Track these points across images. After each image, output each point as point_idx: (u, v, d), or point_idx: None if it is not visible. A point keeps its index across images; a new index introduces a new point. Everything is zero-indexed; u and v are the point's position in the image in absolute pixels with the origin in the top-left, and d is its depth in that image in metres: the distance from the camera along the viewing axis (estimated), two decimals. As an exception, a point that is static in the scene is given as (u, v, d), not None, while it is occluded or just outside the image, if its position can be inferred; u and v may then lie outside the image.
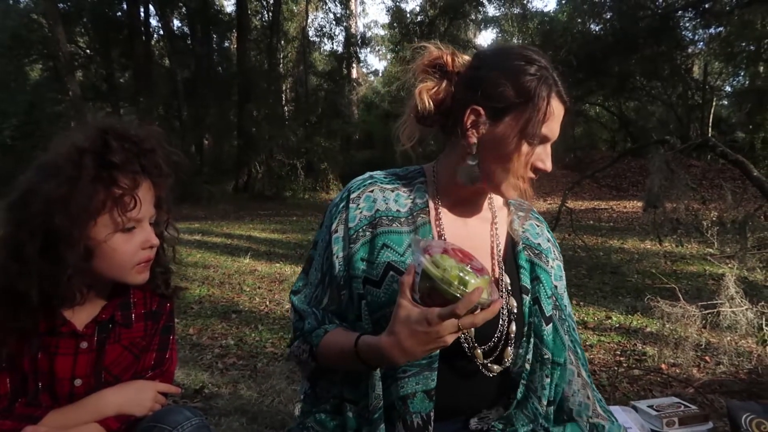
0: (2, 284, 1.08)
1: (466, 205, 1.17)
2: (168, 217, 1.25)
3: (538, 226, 1.25)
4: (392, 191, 1.15)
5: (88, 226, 1.08)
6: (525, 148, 1.04)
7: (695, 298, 3.57)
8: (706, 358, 3.34)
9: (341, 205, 1.14)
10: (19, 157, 11.99)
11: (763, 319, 3.13)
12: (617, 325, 4.16)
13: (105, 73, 19.21)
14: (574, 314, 4.46)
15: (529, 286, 1.15)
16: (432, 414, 1.04)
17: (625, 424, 1.42)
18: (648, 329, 3.98)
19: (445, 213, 1.15)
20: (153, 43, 20.49)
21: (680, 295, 3.31)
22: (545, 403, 1.11)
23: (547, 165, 1.07)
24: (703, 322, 3.18)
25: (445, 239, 1.10)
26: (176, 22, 21.27)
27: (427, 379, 1.04)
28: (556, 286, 1.18)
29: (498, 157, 1.05)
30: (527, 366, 1.11)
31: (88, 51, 19.78)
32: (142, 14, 18.46)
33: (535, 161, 1.07)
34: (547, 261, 1.19)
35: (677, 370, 3.19)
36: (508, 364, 1.10)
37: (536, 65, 1.04)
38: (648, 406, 1.52)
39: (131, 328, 1.23)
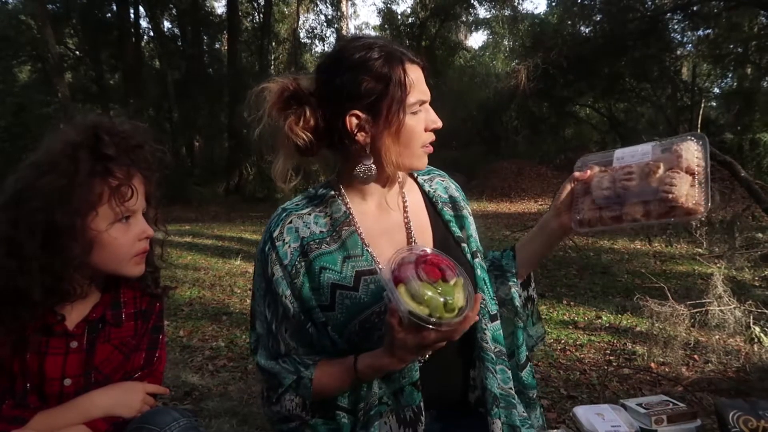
0: (2, 284, 1.07)
1: (379, 200, 1.20)
2: (156, 213, 1.26)
3: (442, 180, 1.32)
4: (309, 215, 1.16)
5: (90, 217, 1.09)
6: (411, 120, 1.10)
7: (684, 297, 3.60)
8: (695, 356, 3.37)
9: (267, 248, 1.13)
10: (8, 159, 11.87)
11: (751, 317, 3.16)
12: (607, 325, 4.18)
13: (94, 74, 19.09)
14: (565, 314, 4.49)
15: (462, 236, 1.22)
16: (422, 405, 1.06)
17: (614, 423, 1.43)
18: (637, 328, 4.01)
19: (361, 218, 1.16)
20: (143, 44, 20.38)
21: (669, 295, 3.34)
22: (489, 335, 1.15)
23: (438, 122, 1.13)
24: (692, 321, 3.21)
25: (411, 250, 1.05)
26: (167, 24, 21.21)
27: (411, 371, 1.06)
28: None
29: (396, 141, 1.10)
30: None
31: (77, 52, 19.64)
32: (132, 15, 18.35)
33: (427, 124, 1.12)
34: (462, 207, 1.28)
35: (666, 369, 3.22)
36: None
37: (376, 48, 1.08)
38: (637, 405, 1.52)
39: (121, 327, 1.23)
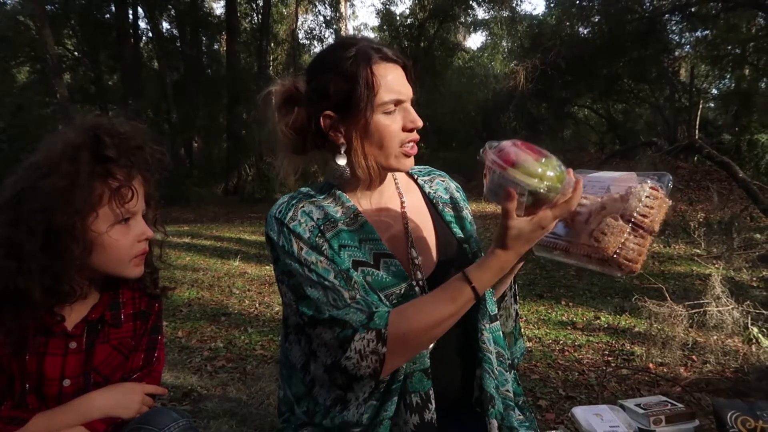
0: (2, 284, 1.07)
1: (372, 201, 1.19)
2: (155, 214, 1.26)
3: (442, 181, 1.32)
4: (322, 201, 1.15)
5: (90, 218, 1.09)
6: (385, 119, 1.08)
7: (682, 298, 3.60)
8: (693, 357, 3.37)
9: (284, 232, 1.08)
10: (6, 160, 11.85)
11: (749, 318, 3.17)
12: (606, 326, 4.19)
13: (93, 75, 19.06)
14: (563, 315, 4.49)
15: (464, 236, 1.23)
16: (431, 393, 1.06)
17: (612, 423, 1.44)
18: (636, 329, 4.01)
19: (366, 213, 1.16)
20: (142, 45, 20.35)
21: (667, 295, 3.35)
22: (489, 336, 1.15)
23: (417, 122, 1.11)
24: (690, 321, 3.22)
25: (498, 143, 1.02)
26: (165, 25, 21.17)
27: (423, 358, 1.07)
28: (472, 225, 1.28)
29: (371, 142, 1.10)
30: None
31: (76, 53, 19.63)
32: (131, 16, 18.32)
33: (405, 123, 1.10)
34: (463, 208, 1.29)
35: (665, 370, 3.22)
36: None
37: (353, 48, 1.08)
38: (635, 405, 1.52)
39: (120, 327, 1.23)
